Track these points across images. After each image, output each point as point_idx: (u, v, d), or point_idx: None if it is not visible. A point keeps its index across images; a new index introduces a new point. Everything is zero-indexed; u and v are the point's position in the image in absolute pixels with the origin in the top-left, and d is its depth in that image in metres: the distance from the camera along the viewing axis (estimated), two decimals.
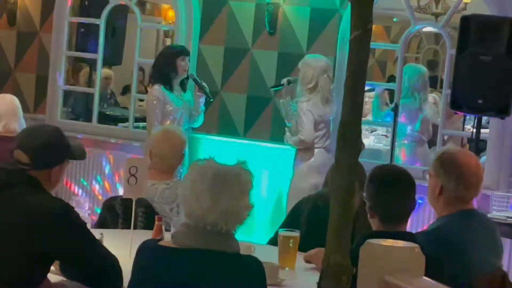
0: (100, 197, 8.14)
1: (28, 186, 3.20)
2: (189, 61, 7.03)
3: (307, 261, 4.07)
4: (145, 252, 2.98)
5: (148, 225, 4.36)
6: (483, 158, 6.95)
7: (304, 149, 6.74)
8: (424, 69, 7.84)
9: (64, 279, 3.39)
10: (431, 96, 9.12)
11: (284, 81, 7.01)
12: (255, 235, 6.66)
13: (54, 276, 3.36)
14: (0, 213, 3.17)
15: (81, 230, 3.23)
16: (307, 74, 6.77)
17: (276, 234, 4.18)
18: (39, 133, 3.33)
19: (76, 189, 8.36)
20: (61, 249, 3.17)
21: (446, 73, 7.30)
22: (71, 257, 3.22)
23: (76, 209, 3.28)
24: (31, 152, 3.24)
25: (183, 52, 6.98)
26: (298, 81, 6.84)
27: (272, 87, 7.37)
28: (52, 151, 3.29)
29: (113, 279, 3.28)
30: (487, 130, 7.06)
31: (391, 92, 8.50)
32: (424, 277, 2.17)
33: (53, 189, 3.36)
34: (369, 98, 8.61)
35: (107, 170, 8.32)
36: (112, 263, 3.28)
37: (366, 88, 9.01)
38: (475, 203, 3.90)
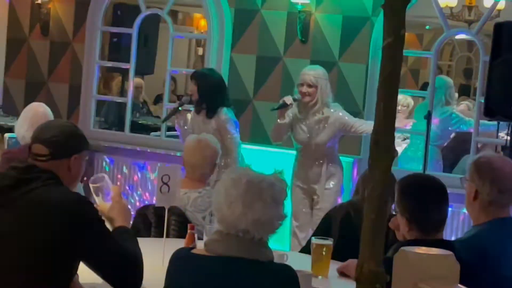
0: (132, 206, 8.17)
1: (44, 180, 3.18)
2: (195, 84, 6.79)
3: (340, 273, 4.05)
4: (178, 261, 2.98)
5: (181, 234, 4.37)
6: None
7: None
8: (450, 80, 7.96)
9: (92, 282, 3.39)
10: (464, 104, 9.09)
11: (290, 100, 6.49)
12: (286, 243, 6.66)
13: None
14: (18, 211, 3.14)
15: (98, 223, 3.19)
16: (327, 86, 6.58)
17: (309, 242, 4.17)
18: (53, 125, 3.37)
19: None
20: (79, 243, 3.11)
21: (479, 81, 7.27)
22: (90, 251, 3.15)
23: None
24: (49, 142, 3.25)
25: (191, 76, 6.99)
26: (319, 96, 6.51)
27: (275, 108, 6.57)
28: (69, 138, 3.30)
29: (132, 273, 3.22)
30: None
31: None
32: (459, 285, 2.15)
33: (74, 181, 3.35)
34: (402, 106, 8.58)
35: (139, 179, 8.36)
36: (130, 256, 3.23)
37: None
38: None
